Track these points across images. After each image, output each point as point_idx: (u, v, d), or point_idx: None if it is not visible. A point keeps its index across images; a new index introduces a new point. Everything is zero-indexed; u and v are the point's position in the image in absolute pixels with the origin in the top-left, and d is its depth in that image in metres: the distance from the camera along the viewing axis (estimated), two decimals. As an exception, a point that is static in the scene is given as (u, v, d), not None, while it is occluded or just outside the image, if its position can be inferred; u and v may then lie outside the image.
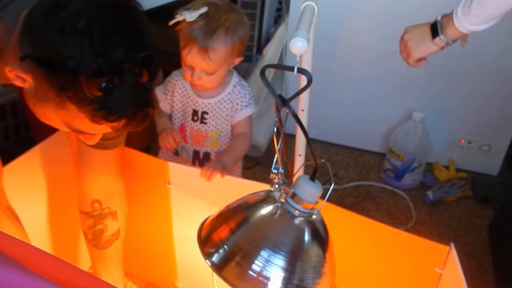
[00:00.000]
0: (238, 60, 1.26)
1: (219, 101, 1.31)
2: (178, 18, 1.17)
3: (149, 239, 1.37)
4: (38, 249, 0.68)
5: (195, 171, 1.14)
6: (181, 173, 1.18)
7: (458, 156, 2.07)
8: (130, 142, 1.81)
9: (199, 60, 1.19)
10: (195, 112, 1.33)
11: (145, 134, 1.88)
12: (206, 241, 0.66)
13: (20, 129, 2.10)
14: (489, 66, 1.84)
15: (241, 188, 1.05)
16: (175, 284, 1.44)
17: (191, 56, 1.19)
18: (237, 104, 1.32)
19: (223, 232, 0.66)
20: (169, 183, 1.20)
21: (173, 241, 1.32)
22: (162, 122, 1.35)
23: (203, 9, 1.17)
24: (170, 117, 1.38)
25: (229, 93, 1.31)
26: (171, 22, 1.18)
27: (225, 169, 1.15)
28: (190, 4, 1.20)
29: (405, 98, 2.04)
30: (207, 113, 1.32)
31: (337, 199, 1.92)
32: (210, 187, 1.14)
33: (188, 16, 1.16)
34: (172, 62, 1.31)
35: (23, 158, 1.16)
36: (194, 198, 1.19)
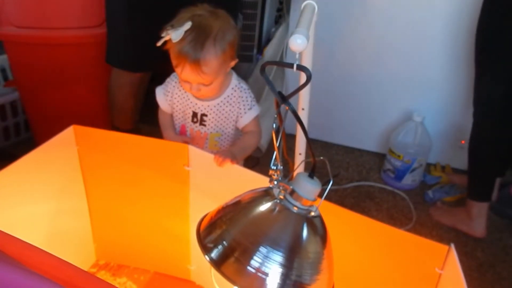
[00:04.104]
0: (233, 63, 1.26)
1: (218, 103, 1.31)
2: (165, 38, 1.16)
3: (165, 221, 1.38)
4: (39, 248, 0.68)
5: (212, 156, 1.17)
6: (199, 157, 1.21)
7: (458, 156, 2.07)
8: (120, 120, 1.90)
9: (194, 75, 1.19)
10: (194, 114, 1.33)
11: (133, 116, 1.93)
12: (205, 236, 0.67)
13: (20, 129, 2.11)
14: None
15: (257, 179, 1.07)
16: (188, 267, 1.45)
17: (185, 73, 1.20)
18: (239, 108, 1.32)
19: (222, 228, 0.66)
20: (188, 166, 1.23)
21: (189, 223, 1.34)
22: (166, 128, 1.38)
23: (187, 25, 1.15)
24: (171, 117, 1.39)
25: (228, 96, 1.31)
26: (159, 43, 1.17)
27: (234, 159, 1.17)
28: (174, 20, 1.19)
29: (405, 98, 2.04)
30: (206, 115, 1.33)
31: (337, 199, 1.92)
32: (227, 173, 1.17)
33: (174, 36, 1.15)
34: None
35: (29, 157, 1.17)
36: (211, 181, 1.23)
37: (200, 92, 1.24)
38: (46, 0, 1.74)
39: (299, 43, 0.78)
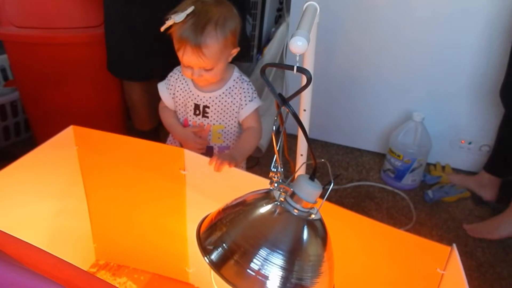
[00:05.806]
0: (235, 51, 1.28)
1: (220, 95, 1.33)
2: (168, 22, 1.20)
3: (162, 223, 1.39)
4: (39, 248, 0.69)
5: (208, 159, 1.17)
6: (195, 161, 1.21)
7: (458, 156, 2.07)
8: (138, 122, 1.92)
9: (195, 58, 1.21)
10: (196, 106, 1.35)
11: (154, 115, 1.92)
12: (205, 238, 0.66)
13: (20, 128, 2.11)
14: (490, 67, 1.84)
15: (254, 182, 1.07)
16: (186, 270, 1.45)
17: (186, 56, 1.22)
18: (240, 99, 1.33)
19: (222, 230, 0.66)
20: (184, 170, 1.23)
21: (186, 226, 1.34)
22: (173, 123, 1.38)
23: (190, 9, 1.19)
24: (175, 113, 1.40)
25: (230, 88, 1.33)
26: (162, 28, 1.20)
27: (233, 162, 1.16)
28: (177, 7, 1.22)
29: (405, 98, 2.04)
30: (208, 107, 1.34)
31: (337, 199, 1.92)
32: (223, 176, 1.17)
33: (177, 18, 1.18)
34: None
35: (29, 157, 1.17)
36: (208, 185, 1.23)
37: (202, 77, 1.25)
38: (46, 0, 1.74)
39: (300, 45, 0.78)
